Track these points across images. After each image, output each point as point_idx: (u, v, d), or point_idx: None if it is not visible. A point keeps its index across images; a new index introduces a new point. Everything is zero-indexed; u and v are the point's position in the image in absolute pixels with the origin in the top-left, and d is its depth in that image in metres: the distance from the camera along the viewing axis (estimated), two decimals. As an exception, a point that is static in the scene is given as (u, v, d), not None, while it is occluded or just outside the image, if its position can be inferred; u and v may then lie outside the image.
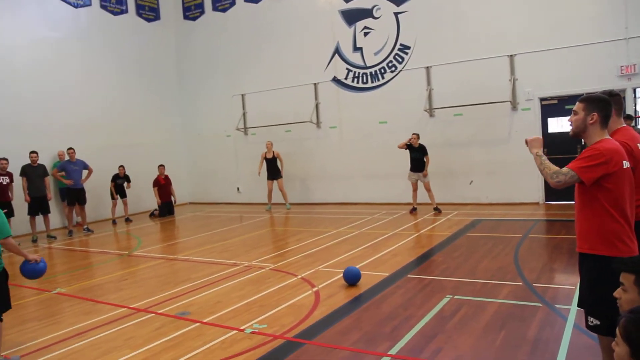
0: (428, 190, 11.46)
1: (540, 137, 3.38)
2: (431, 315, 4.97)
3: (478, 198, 12.20)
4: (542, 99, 11.39)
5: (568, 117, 3.31)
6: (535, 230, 8.87)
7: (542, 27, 11.15)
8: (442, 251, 7.73)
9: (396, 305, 5.38)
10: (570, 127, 3.26)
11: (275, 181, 13.97)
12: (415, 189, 11.62)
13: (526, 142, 3.40)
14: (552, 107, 11.26)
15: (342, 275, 6.28)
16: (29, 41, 12.89)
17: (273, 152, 14.06)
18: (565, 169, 3.07)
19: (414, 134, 11.48)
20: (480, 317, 4.82)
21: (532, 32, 11.27)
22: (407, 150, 11.50)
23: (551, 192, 11.39)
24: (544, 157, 3.22)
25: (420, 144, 11.44)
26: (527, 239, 8.10)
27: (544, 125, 11.44)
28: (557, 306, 4.95)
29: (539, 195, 11.53)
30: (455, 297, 5.45)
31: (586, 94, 3.32)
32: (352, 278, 6.20)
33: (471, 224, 9.71)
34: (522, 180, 11.57)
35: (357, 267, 6.47)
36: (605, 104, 3.15)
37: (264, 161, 14.00)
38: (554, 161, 3.29)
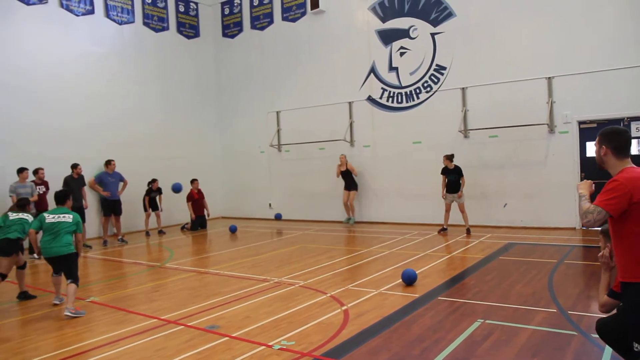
0: (462, 211, 11.36)
1: (590, 181, 3.46)
2: (461, 339, 4.88)
3: (512, 221, 11.97)
4: (580, 122, 11.16)
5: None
6: (571, 256, 8.63)
7: (582, 48, 10.97)
8: (474, 274, 7.60)
9: (426, 327, 5.30)
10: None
11: (349, 192, 13.92)
12: (448, 210, 11.56)
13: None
14: (591, 130, 11.00)
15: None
16: (76, 56, 13.44)
17: (346, 164, 14.03)
18: (591, 206, 3.13)
19: (444, 155, 11.47)
20: (513, 343, 4.71)
21: (571, 54, 11.10)
22: (443, 175, 11.52)
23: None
24: (583, 198, 3.30)
25: (455, 166, 11.43)
26: (562, 265, 7.89)
27: (582, 149, 11.18)
28: (594, 336, 4.78)
29: (575, 220, 11.22)
30: (487, 321, 5.34)
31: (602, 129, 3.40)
32: (409, 278, 6.97)
33: (504, 248, 9.52)
34: (558, 205, 11.31)
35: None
36: (613, 136, 3.26)
37: (341, 174, 14.04)
38: (594, 186, 3.33)
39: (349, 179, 14.03)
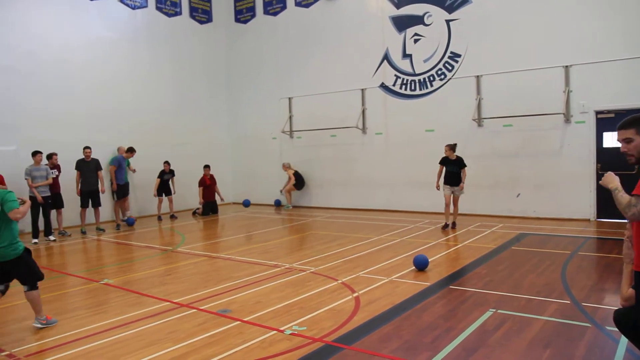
0: (455, 204, 10.68)
1: (611, 172, 3.28)
2: (473, 328, 4.86)
3: (525, 211, 11.88)
4: (597, 112, 10.99)
5: (620, 148, 3.22)
6: (585, 248, 8.55)
7: (600, 36, 10.78)
8: (486, 264, 7.55)
9: (437, 315, 5.29)
10: (629, 157, 3.18)
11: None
12: (448, 204, 10.62)
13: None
14: (609, 120, 10.84)
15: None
16: (87, 40, 13.45)
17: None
18: (632, 199, 2.97)
19: (446, 145, 10.58)
20: (525, 334, 4.68)
21: (589, 42, 10.90)
22: (441, 165, 10.69)
23: (604, 208, 10.96)
24: (617, 191, 3.12)
25: (457, 156, 10.58)
26: (576, 256, 7.82)
27: (599, 139, 11.02)
28: (608, 328, 4.75)
29: (590, 211, 11.12)
30: (499, 311, 5.31)
31: (628, 118, 3.21)
32: (421, 264, 7.11)
33: (516, 238, 9.46)
34: (573, 195, 11.21)
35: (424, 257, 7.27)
36: None
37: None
38: None
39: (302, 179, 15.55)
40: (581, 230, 10.14)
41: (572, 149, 11.21)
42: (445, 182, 10.64)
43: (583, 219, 11.12)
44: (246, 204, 14.43)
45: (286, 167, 15.68)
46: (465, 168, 10.56)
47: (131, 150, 13.03)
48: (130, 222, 13.00)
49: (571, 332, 4.72)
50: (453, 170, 10.56)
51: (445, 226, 10.65)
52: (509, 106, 11.87)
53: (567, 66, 11.15)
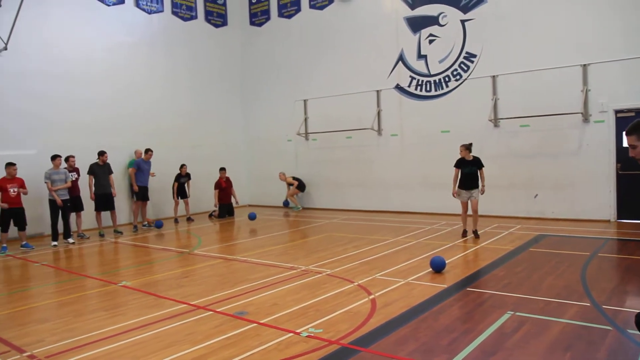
0: (474, 209, 9.79)
1: None
2: (491, 330, 4.81)
3: (543, 212, 11.74)
4: (617, 111, 10.83)
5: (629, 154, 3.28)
6: (606, 249, 8.42)
7: (619, 34, 10.61)
8: (503, 265, 7.48)
9: (454, 318, 5.25)
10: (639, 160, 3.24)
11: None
12: (465, 209, 9.89)
13: None
14: (629, 119, 10.67)
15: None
16: (106, 46, 13.65)
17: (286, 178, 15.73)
18: None
19: (461, 145, 9.73)
20: (544, 337, 4.62)
21: (607, 40, 10.75)
22: (457, 169, 9.82)
23: (624, 209, 10.78)
24: None
25: (474, 157, 9.74)
26: (595, 258, 7.71)
27: (619, 139, 10.84)
28: (630, 331, 4.67)
29: (610, 212, 10.94)
30: (517, 313, 5.25)
31: (631, 125, 3.23)
32: (438, 266, 7.08)
33: (534, 239, 9.35)
34: (592, 196, 11.04)
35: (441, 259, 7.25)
36: None
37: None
38: (631, 177, 3.20)
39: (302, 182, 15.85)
40: (601, 231, 9.98)
41: (591, 149, 11.05)
42: (461, 186, 9.77)
43: (603, 219, 10.95)
44: (252, 217, 13.67)
45: (283, 177, 15.97)
46: (483, 168, 9.75)
47: (148, 151, 13.12)
48: (158, 225, 13.09)
49: (592, 335, 4.64)
50: (471, 171, 9.66)
51: (464, 233, 9.95)
52: (525, 106, 11.75)
53: (584, 65, 11.01)
